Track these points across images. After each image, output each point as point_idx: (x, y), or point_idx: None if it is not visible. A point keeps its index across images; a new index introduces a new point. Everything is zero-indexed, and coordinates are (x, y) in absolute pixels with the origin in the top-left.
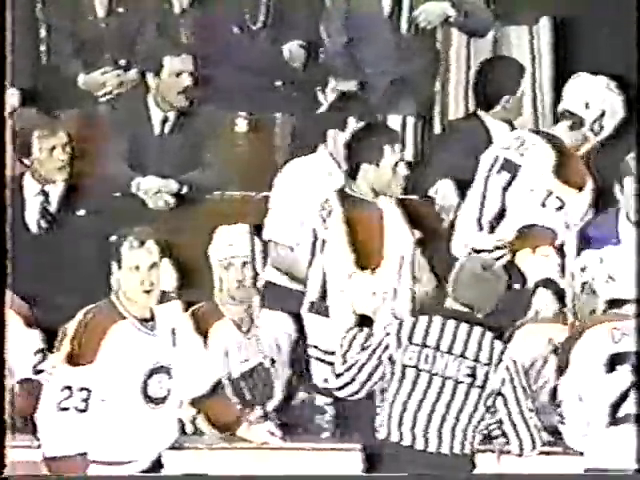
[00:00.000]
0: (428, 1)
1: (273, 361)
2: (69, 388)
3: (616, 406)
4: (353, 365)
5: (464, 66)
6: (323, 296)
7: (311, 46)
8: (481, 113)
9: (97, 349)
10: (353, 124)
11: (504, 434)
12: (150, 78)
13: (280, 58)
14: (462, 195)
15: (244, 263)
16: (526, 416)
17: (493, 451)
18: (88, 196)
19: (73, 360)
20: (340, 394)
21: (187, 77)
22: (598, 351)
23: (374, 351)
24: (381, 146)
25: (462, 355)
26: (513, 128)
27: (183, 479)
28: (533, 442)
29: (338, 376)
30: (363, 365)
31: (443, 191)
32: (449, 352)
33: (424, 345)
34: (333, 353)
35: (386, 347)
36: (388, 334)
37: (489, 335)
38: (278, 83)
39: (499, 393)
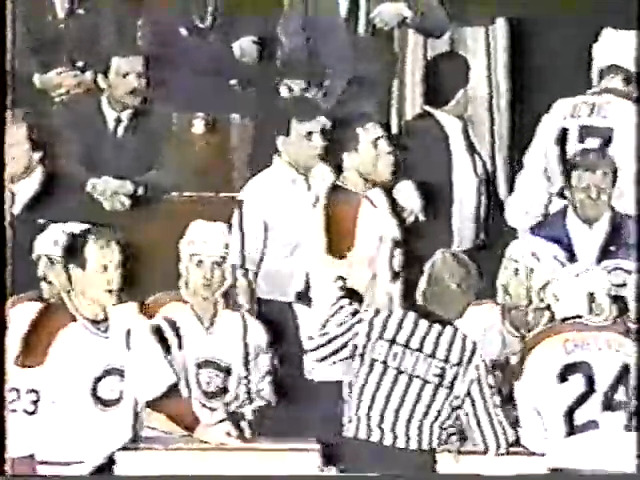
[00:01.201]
0: (385, 2)
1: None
2: (17, 390)
3: (569, 415)
4: (325, 334)
5: (421, 67)
6: (308, 286)
7: (265, 42)
8: (433, 110)
9: (46, 351)
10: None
11: (463, 433)
12: (100, 79)
13: (233, 56)
14: (425, 196)
15: (215, 263)
16: (492, 417)
17: (450, 451)
18: (51, 206)
19: (22, 362)
20: (309, 357)
21: (134, 78)
22: (551, 361)
23: (345, 332)
24: (354, 130)
25: (432, 355)
26: (465, 123)
27: None
28: (498, 443)
29: (310, 338)
30: (332, 339)
31: (405, 192)
32: (419, 350)
33: (394, 341)
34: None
35: (356, 333)
36: (360, 321)
37: (460, 335)
38: (233, 82)
39: (467, 393)
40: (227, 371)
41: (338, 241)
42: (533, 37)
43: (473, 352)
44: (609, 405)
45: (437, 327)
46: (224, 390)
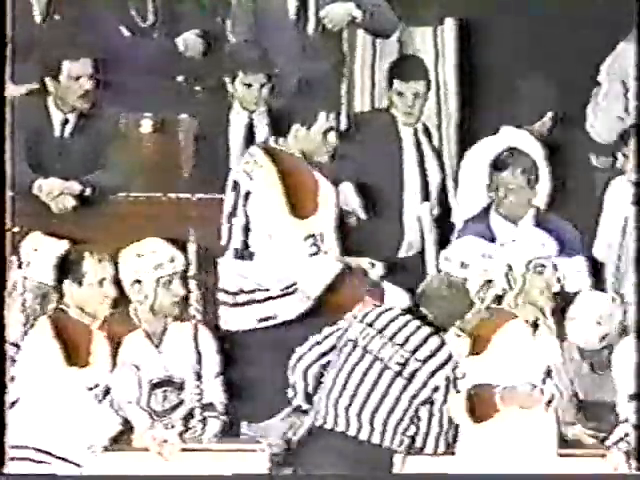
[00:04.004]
0: (333, 2)
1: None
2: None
3: None
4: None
5: (370, 67)
6: (246, 242)
7: (210, 36)
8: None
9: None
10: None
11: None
12: (49, 82)
13: (177, 52)
14: (363, 196)
15: (181, 278)
16: (442, 428)
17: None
18: None
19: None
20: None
21: (86, 81)
22: None
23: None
24: (316, 111)
25: (401, 345)
26: (415, 130)
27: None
28: (436, 446)
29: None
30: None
31: (345, 194)
32: (390, 339)
33: (370, 325)
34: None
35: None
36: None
37: (436, 339)
38: (180, 79)
39: (429, 400)
40: (180, 386)
41: (301, 205)
42: (481, 37)
43: (446, 361)
44: None
45: (415, 323)
46: (180, 404)
